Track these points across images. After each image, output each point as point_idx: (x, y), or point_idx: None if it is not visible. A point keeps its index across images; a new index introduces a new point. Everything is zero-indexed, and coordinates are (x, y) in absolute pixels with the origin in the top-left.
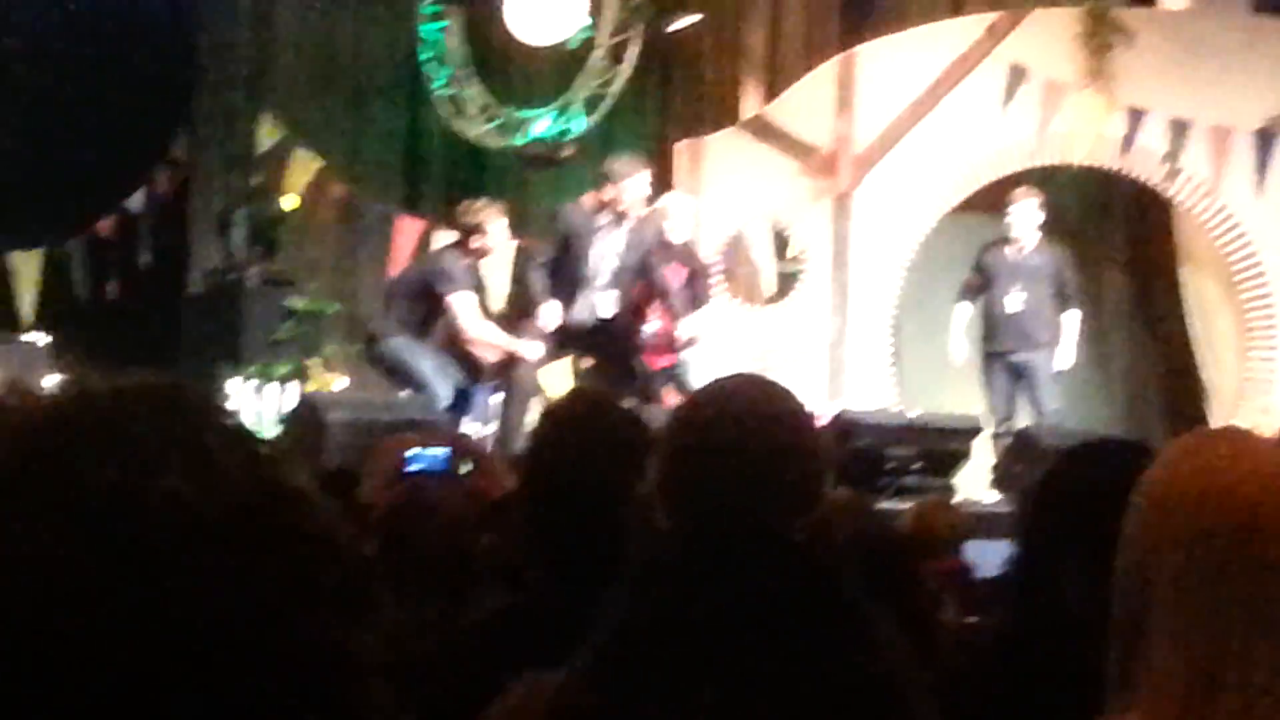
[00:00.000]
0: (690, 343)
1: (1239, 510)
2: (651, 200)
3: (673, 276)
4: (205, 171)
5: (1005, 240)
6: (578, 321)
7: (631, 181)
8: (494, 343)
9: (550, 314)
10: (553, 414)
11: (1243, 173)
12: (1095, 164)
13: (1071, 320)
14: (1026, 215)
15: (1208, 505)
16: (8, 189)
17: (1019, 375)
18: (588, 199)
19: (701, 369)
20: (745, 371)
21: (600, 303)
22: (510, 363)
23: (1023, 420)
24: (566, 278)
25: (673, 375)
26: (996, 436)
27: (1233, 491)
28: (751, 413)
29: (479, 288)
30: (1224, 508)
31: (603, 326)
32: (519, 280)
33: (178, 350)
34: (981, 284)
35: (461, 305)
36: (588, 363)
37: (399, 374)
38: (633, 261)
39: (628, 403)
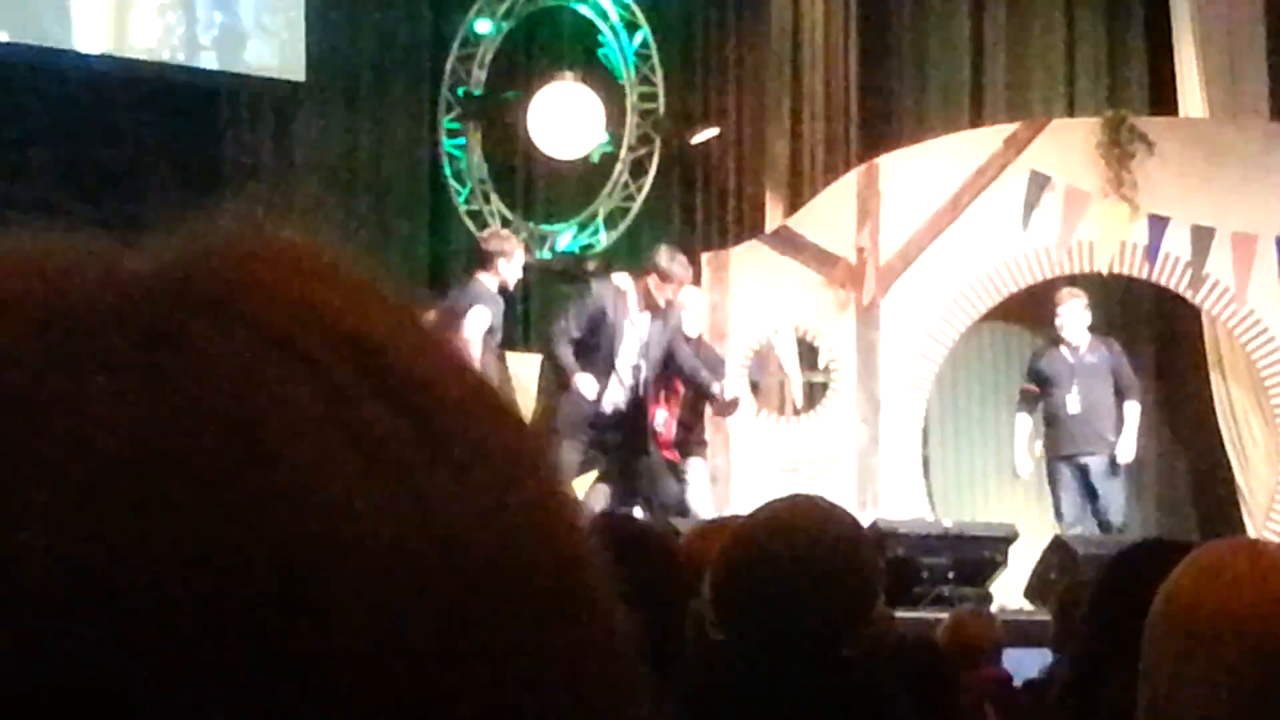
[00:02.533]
0: (734, 404)
1: (1258, 632)
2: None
3: (695, 359)
4: None
5: (1057, 342)
6: (603, 407)
7: (680, 286)
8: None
9: (587, 385)
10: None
11: (1268, 278)
12: (1120, 272)
13: (1132, 412)
14: (1075, 315)
15: (1226, 627)
16: None
17: (1086, 478)
18: (621, 278)
19: (703, 479)
20: (798, 493)
21: (626, 382)
22: None
23: (1088, 526)
24: (595, 355)
25: (680, 477)
26: (1054, 542)
27: (1251, 612)
28: (807, 531)
29: (496, 320)
30: (1243, 630)
31: (627, 411)
32: (551, 359)
33: None
34: (1038, 391)
35: (476, 315)
36: (599, 471)
37: None
38: (656, 350)
39: (639, 505)
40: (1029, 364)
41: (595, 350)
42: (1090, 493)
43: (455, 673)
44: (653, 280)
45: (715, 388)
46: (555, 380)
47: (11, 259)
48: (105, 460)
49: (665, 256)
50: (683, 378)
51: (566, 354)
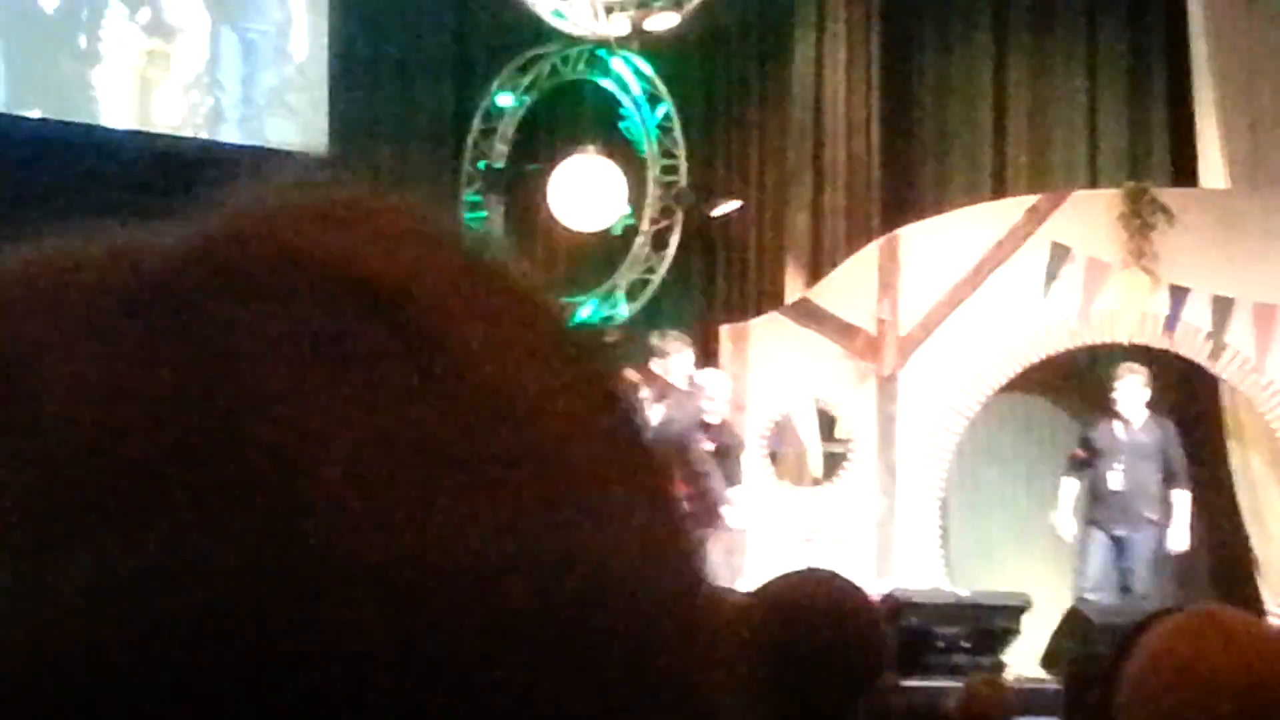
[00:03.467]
0: (734, 525)
1: (1220, 700)
2: (692, 378)
3: (707, 453)
4: None
5: (1112, 416)
6: None
7: (677, 358)
8: None
9: None
10: None
11: None
12: (1140, 342)
13: (1182, 500)
14: (1132, 391)
15: (1179, 692)
16: None
17: (1120, 550)
18: (629, 372)
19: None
20: (813, 567)
21: None
22: None
23: (1109, 595)
24: None
25: None
26: (1070, 612)
27: (1214, 681)
28: (815, 603)
29: None
30: (1194, 695)
31: None
32: None
33: None
34: (1086, 459)
35: None
36: None
37: None
38: (669, 437)
39: None
40: (1083, 431)
41: None
42: (1120, 563)
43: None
44: (654, 364)
45: (722, 510)
46: None
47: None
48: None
49: (656, 336)
50: (693, 486)
51: None
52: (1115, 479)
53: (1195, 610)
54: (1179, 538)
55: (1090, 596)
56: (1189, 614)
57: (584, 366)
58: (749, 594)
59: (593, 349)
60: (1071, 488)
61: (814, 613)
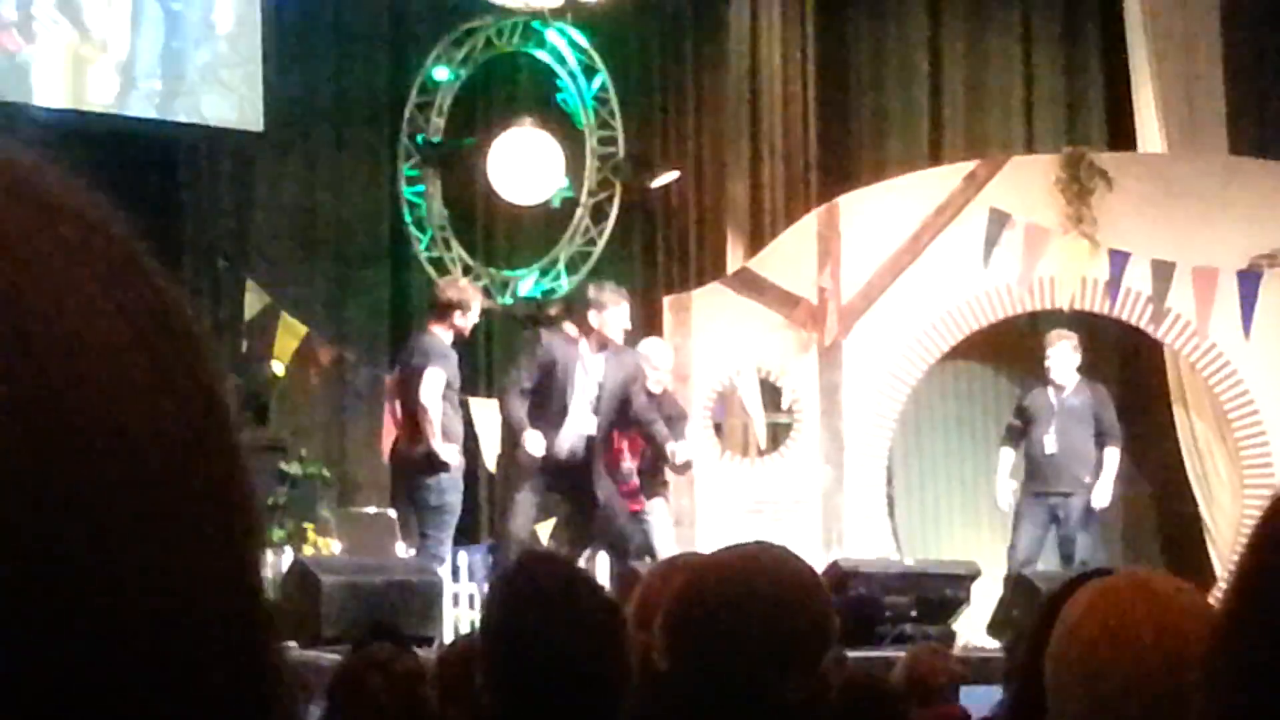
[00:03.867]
0: (687, 466)
1: (1143, 661)
2: (630, 338)
3: (652, 411)
4: None
5: (1045, 382)
6: (560, 454)
7: (615, 310)
8: (431, 429)
9: (534, 442)
10: (503, 580)
11: (1229, 312)
12: (1082, 307)
13: (1111, 458)
14: (1063, 356)
15: (1102, 652)
16: None
17: (1055, 519)
18: (568, 326)
19: (666, 521)
20: (756, 539)
21: (581, 430)
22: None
23: (1046, 562)
24: (549, 405)
25: (642, 521)
26: (1016, 579)
27: (1138, 642)
28: (759, 577)
29: (453, 373)
30: (1118, 655)
31: (583, 460)
32: (504, 414)
33: None
34: (1022, 427)
35: (432, 378)
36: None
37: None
38: (613, 388)
39: (598, 554)
40: (1018, 400)
41: (549, 399)
42: (1056, 531)
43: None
44: (591, 315)
45: (669, 447)
46: (506, 434)
47: None
48: None
49: (593, 289)
50: (639, 431)
51: (516, 408)
52: (1050, 443)
53: (1122, 573)
54: (1103, 494)
55: (1022, 567)
56: (1116, 576)
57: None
58: (697, 558)
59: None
60: (1008, 457)
61: (759, 581)
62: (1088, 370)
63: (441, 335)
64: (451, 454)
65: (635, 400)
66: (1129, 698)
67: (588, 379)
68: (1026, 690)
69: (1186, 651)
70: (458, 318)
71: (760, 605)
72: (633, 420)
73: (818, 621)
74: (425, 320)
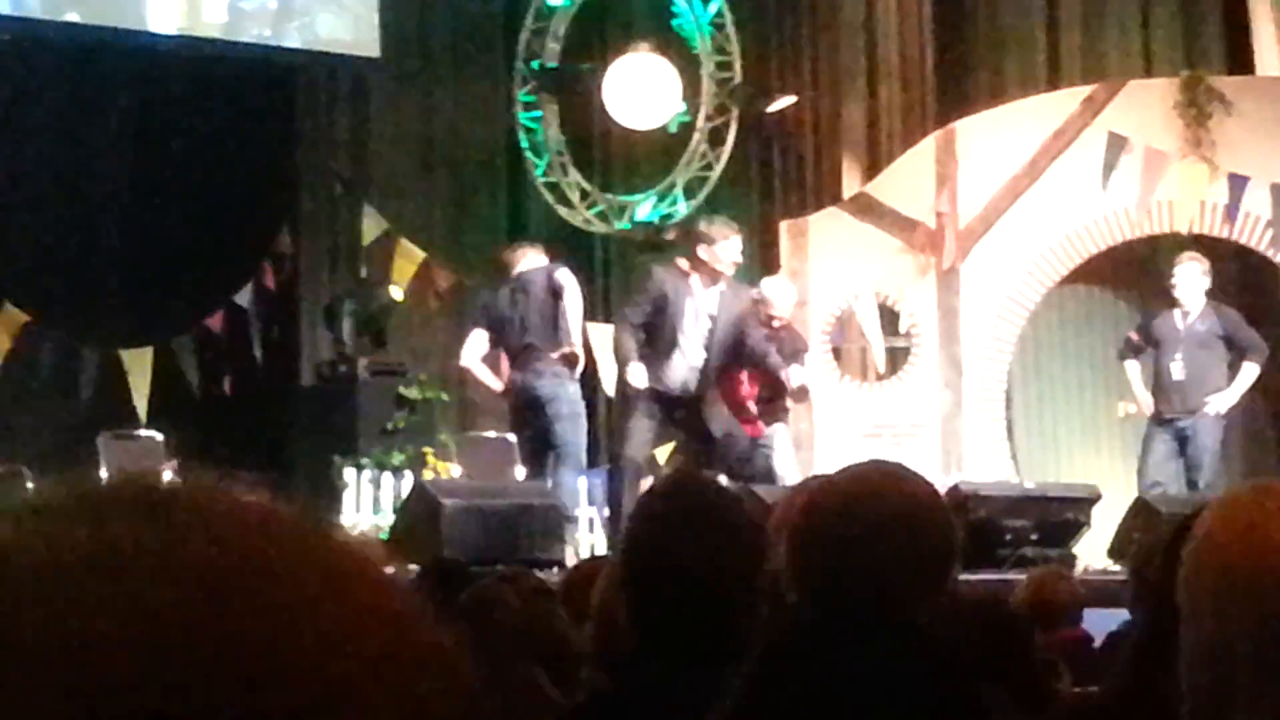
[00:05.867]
0: (803, 392)
1: (1264, 562)
2: (749, 273)
3: (763, 338)
4: (312, 265)
5: (1172, 304)
6: (672, 386)
7: (726, 244)
8: (477, 377)
9: (637, 375)
10: (650, 499)
11: None
12: (1201, 232)
13: (1249, 371)
14: (1190, 279)
15: (1232, 561)
16: (118, 287)
17: (1181, 444)
18: (680, 261)
19: (787, 446)
20: (879, 458)
21: (693, 364)
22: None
23: (1173, 487)
24: (660, 340)
25: (763, 447)
26: (1137, 502)
27: (1259, 543)
28: (883, 498)
29: (505, 320)
30: (1249, 562)
31: (696, 393)
32: (616, 349)
33: (292, 442)
34: (1140, 344)
35: (472, 341)
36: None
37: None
38: (726, 323)
39: (719, 479)
40: (1142, 317)
41: (659, 333)
42: (1183, 454)
43: None
44: (701, 250)
45: (783, 374)
46: (619, 366)
47: None
48: None
49: (703, 222)
50: (755, 365)
51: (625, 341)
52: (1176, 369)
53: (1250, 483)
54: (1224, 400)
55: (1154, 492)
56: (1247, 487)
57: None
58: (814, 484)
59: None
60: (1135, 368)
61: (880, 504)
62: (1210, 294)
63: (502, 295)
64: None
65: (750, 335)
66: (1264, 605)
67: (699, 313)
68: (1159, 613)
69: None
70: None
71: (882, 523)
72: (748, 355)
73: (941, 536)
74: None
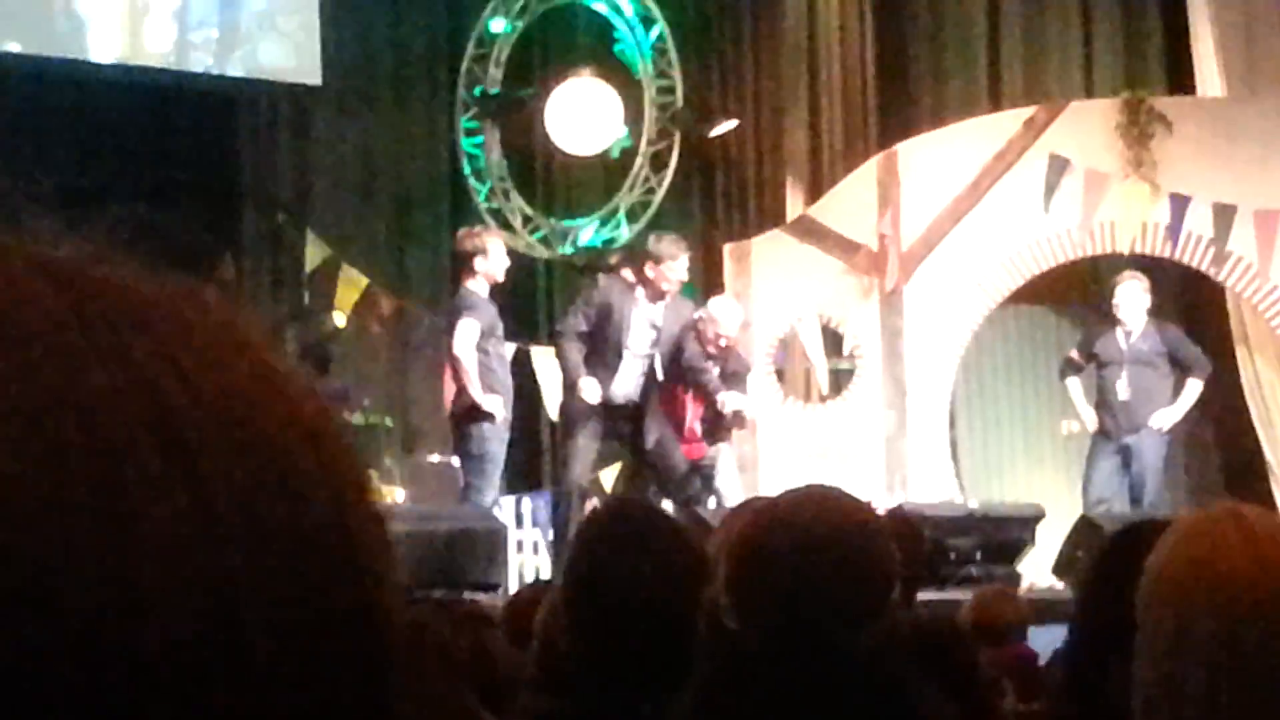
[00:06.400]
0: (738, 418)
1: (1238, 597)
2: (697, 301)
3: (701, 353)
4: (254, 292)
5: (1115, 323)
6: (615, 399)
7: (674, 263)
8: (468, 379)
9: (590, 388)
10: (591, 524)
11: None
12: (1142, 252)
13: (1190, 389)
14: (1132, 298)
15: (1192, 586)
16: None
17: (1125, 461)
18: (626, 273)
19: (730, 467)
20: (817, 482)
21: (635, 373)
22: (564, 466)
23: (1118, 505)
24: (603, 349)
25: (702, 469)
26: (1081, 520)
27: (1232, 577)
28: (823, 523)
29: (491, 322)
30: (1208, 588)
31: (638, 404)
32: (560, 359)
33: None
34: (1081, 362)
35: (464, 329)
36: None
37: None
38: (669, 337)
39: (660, 500)
40: (1083, 336)
41: (604, 343)
42: (1127, 471)
43: None
44: (649, 267)
45: (719, 397)
46: (564, 379)
47: None
48: None
49: (651, 240)
50: (691, 380)
51: (571, 353)
52: (1121, 387)
53: (1216, 506)
54: (1166, 417)
55: (1098, 509)
56: (1209, 511)
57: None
58: (752, 508)
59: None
60: (1077, 385)
61: (819, 528)
62: (1150, 314)
63: (474, 287)
64: (493, 404)
65: (687, 349)
66: (1219, 632)
67: (644, 325)
68: (1095, 628)
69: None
70: (480, 264)
71: (820, 548)
72: (685, 369)
73: (880, 560)
74: (458, 276)
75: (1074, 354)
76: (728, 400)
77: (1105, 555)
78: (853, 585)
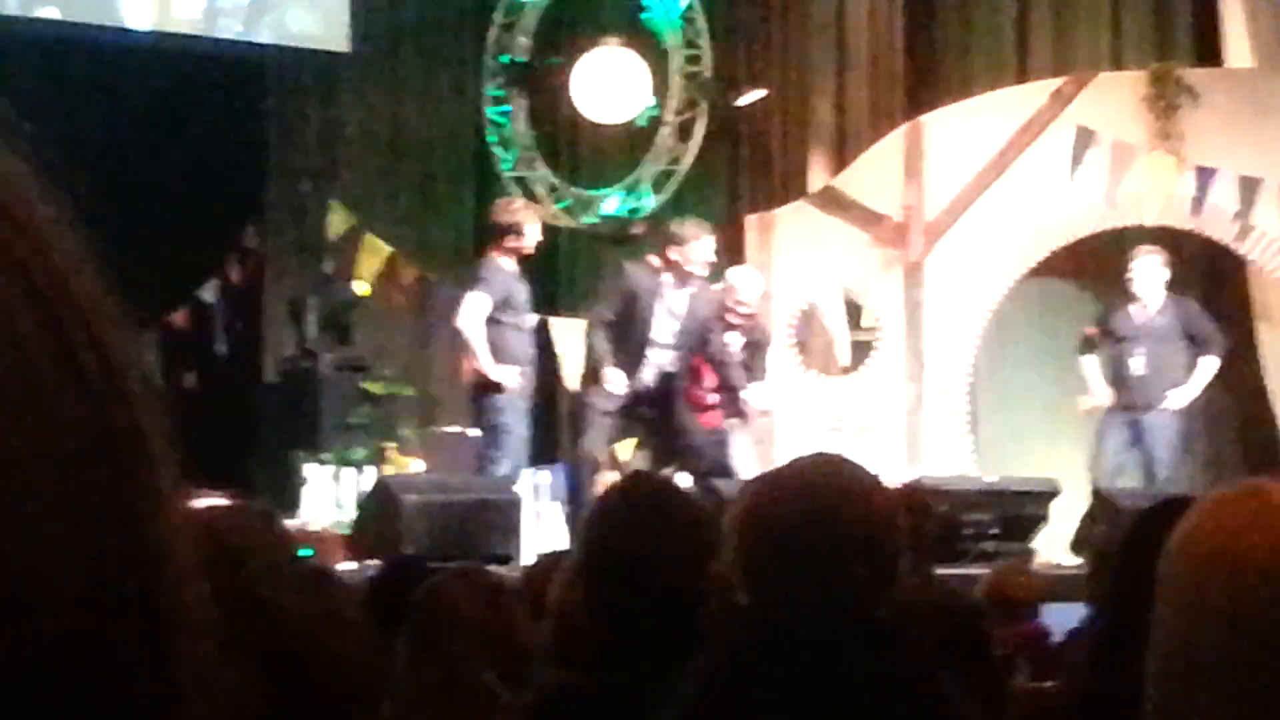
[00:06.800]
0: (762, 414)
1: (1259, 577)
2: (715, 266)
3: (732, 345)
4: (277, 260)
5: (1131, 298)
6: (640, 385)
7: (697, 244)
8: (475, 352)
9: (616, 380)
10: (607, 499)
11: None
12: (1167, 224)
13: (1205, 366)
14: (1149, 272)
15: (1238, 570)
16: None
17: (1137, 436)
18: (652, 258)
19: (747, 440)
20: (822, 450)
21: (660, 363)
22: (576, 438)
23: (1129, 480)
24: (629, 337)
25: (718, 440)
26: (1097, 496)
27: (1263, 554)
28: (828, 492)
29: (509, 294)
30: (1256, 571)
31: (660, 390)
32: (589, 348)
33: (255, 437)
34: (1098, 339)
35: (471, 302)
36: (637, 438)
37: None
38: (693, 326)
39: (677, 474)
40: (1101, 311)
41: (629, 330)
42: (1138, 446)
43: None
44: (672, 250)
45: (743, 394)
46: (590, 366)
47: None
48: None
49: (674, 223)
50: (715, 370)
51: (600, 342)
52: (1136, 363)
53: (1239, 483)
54: (1182, 396)
55: (1105, 483)
56: (1230, 489)
57: None
58: (756, 482)
59: None
60: (1093, 363)
61: (827, 498)
62: (1171, 286)
63: (498, 259)
64: (507, 375)
65: (713, 339)
66: (1237, 609)
67: (670, 312)
68: (1121, 608)
69: None
70: (512, 240)
71: (824, 518)
72: (709, 358)
73: (890, 531)
74: (484, 244)
75: (1090, 330)
76: (752, 398)
77: (1131, 534)
78: (860, 553)
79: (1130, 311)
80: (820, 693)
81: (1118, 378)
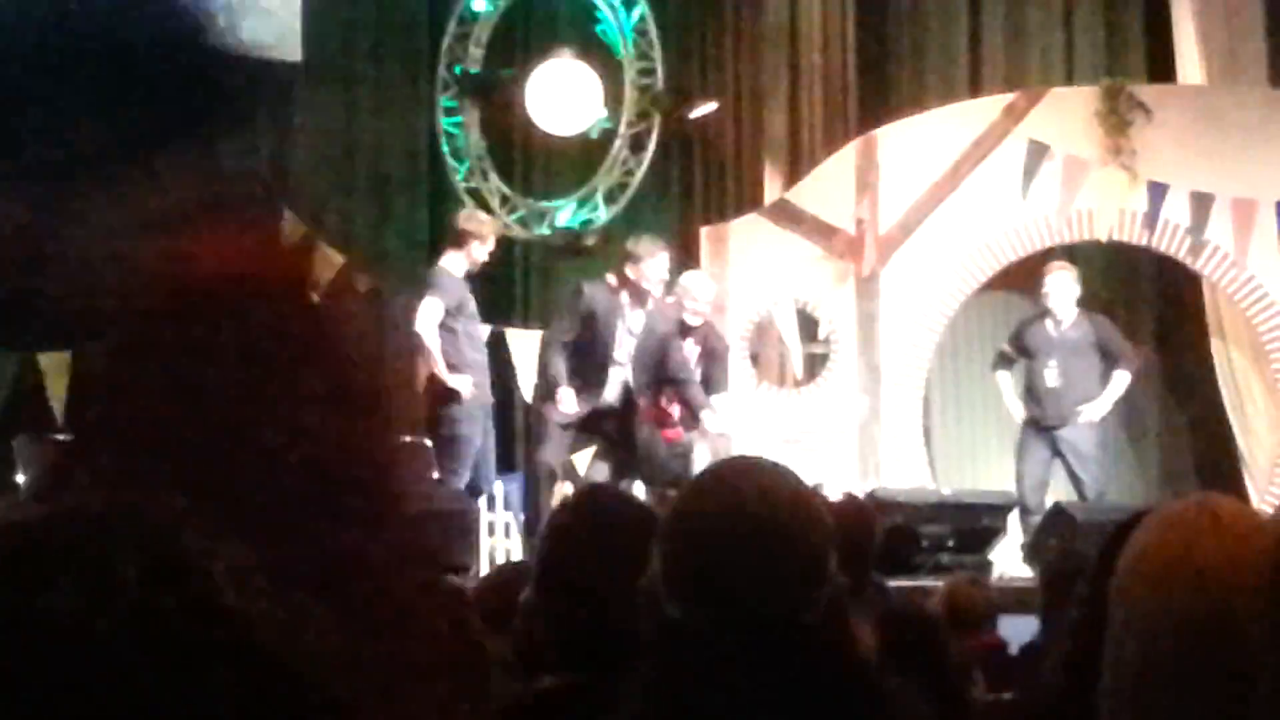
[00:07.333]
0: (721, 439)
1: (1210, 590)
2: (671, 282)
3: (689, 359)
4: None
5: (1043, 313)
6: (605, 403)
7: (652, 262)
8: (431, 357)
9: (568, 401)
10: (563, 512)
11: (1268, 244)
12: (1120, 239)
13: (1118, 380)
14: (1061, 288)
15: (1165, 579)
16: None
17: (1056, 450)
18: (609, 278)
19: (704, 453)
20: (743, 454)
21: (621, 381)
22: (533, 449)
23: (1055, 494)
24: (590, 357)
25: (680, 453)
26: (1023, 510)
27: (1205, 571)
28: (749, 495)
29: (461, 301)
30: (1196, 590)
31: (622, 407)
32: (542, 366)
33: None
34: (1013, 354)
35: (426, 308)
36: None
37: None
38: (651, 344)
39: (636, 487)
40: (1015, 329)
41: (589, 350)
42: (1058, 458)
43: None
44: (629, 268)
45: (703, 415)
46: (545, 386)
47: None
48: None
49: (630, 241)
50: (674, 389)
51: (556, 363)
52: (1051, 376)
53: (1189, 499)
54: (1096, 409)
55: (1032, 497)
56: (1183, 503)
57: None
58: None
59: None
60: (1007, 380)
61: (749, 503)
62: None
63: (451, 265)
64: (461, 382)
65: (671, 358)
66: (1189, 622)
67: (630, 332)
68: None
69: (1258, 582)
70: (474, 249)
71: (744, 518)
72: (668, 377)
73: (816, 532)
74: (440, 249)
75: (1005, 347)
76: (711, 420)
77: (1101, 549)
78: (783, 553)
79: (1044, 326)
80: (754, 703)
81: (1032, 391)
